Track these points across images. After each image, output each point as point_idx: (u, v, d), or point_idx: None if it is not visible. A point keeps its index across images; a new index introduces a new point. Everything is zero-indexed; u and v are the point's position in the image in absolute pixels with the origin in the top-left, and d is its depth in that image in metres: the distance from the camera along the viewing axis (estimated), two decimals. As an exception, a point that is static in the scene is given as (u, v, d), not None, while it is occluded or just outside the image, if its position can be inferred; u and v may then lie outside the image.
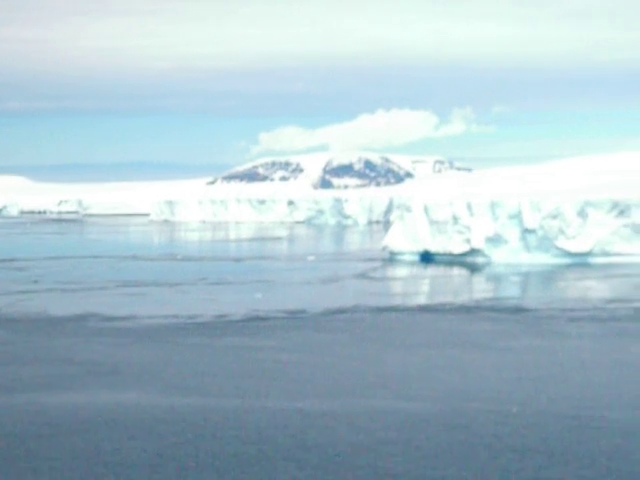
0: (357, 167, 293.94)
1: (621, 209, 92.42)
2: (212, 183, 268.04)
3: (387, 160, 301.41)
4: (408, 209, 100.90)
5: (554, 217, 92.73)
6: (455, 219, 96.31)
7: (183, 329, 48.81)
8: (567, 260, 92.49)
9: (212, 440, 26.90)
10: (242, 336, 46.10)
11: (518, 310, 54.86)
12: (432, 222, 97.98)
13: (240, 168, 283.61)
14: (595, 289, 71.66)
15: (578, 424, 27.90)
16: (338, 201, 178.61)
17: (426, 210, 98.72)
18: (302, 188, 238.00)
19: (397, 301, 62.56)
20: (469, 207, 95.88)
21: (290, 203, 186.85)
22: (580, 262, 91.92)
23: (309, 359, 39.39)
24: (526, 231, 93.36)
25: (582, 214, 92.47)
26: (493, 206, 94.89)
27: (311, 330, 47.79)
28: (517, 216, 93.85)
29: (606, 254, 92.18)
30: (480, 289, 72.51)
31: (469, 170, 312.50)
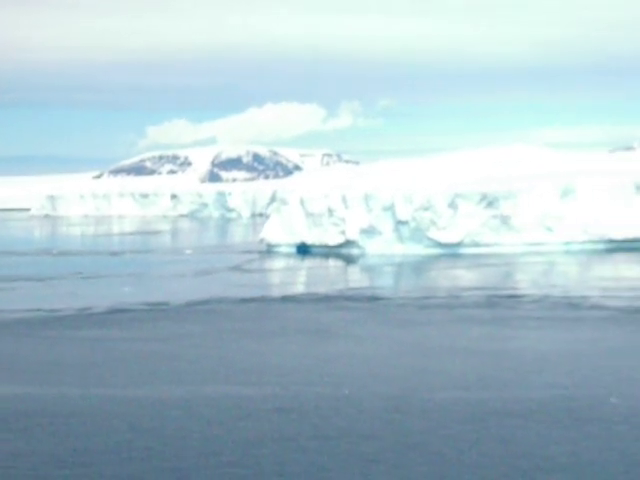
0: (245, 160, 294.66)
1: (490, 201, 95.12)
2: (98, 177, 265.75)
3: (275, 153, 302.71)
4: (285, 202, 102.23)
5: (426, 209, 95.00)
6: (330, 211, 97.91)
7: (43, 322, 49.11)
8: (439, 250, 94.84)
9: (38, 429, 27.60)
10: (100, 328, 46.66)
11: (377, 299, 56.48)
12: (308, 214, 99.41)
13: (127, 162, 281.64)
14: (460, 278, 73.99)
15: (402, 405, 29.35)
16: (221, 194, 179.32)
17: (302, 203, 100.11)
18: (190, 182, 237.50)
19: (264, 292, 63.65)
20: (344, 199, 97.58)
21: (173, 197, 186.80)
22: (451, 252, 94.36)
23: (161, 349, 40.22)
24: (399, 223, 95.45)
25: (453, 206, 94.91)
26: (367, 198, 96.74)
27: (170, 321, 48.59)
28: (390, 208, 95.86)
29: (476, 244, 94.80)
30: (349, 279, 74.17)
31: (356, 163, 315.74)
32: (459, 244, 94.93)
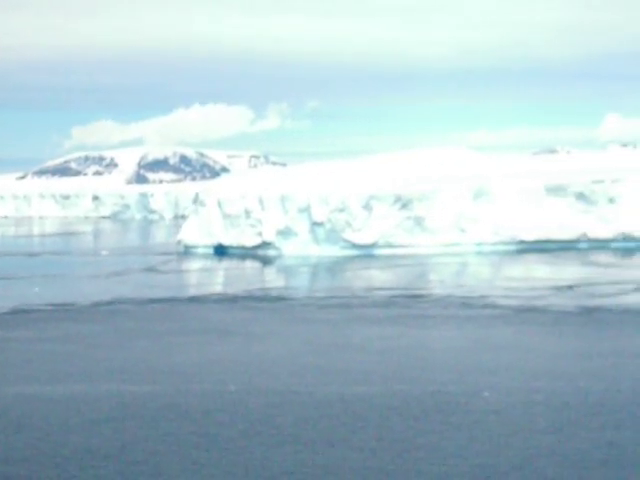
0: (172, 162, 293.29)
1: (404, 202, 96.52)
2: (22, 178, 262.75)
3: (203, 155, 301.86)
4: (202, 203, 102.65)
5: (341, 210, 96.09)
6: (247, 213, 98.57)
7: (-56, 323, 49.04)
8: (354, 252, 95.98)
9: None
10: (1, 328, 46.78)
11: (284, 299, 57.30)
12: (225, 216, 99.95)
13: (52, 163, 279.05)
14: (370, 279, 75.11)
15: (284, 401, 30.18)
16: (144, 196, 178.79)
17: (220, 204, 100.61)
18: (115, 183, 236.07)
19: (173, 293, 64.06)
20: (261, 201, 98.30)
21: (95, 198, 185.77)
22: (366, 253, 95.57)
23: (58, 349, 40.61)
24: (315, 224, 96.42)
25: (367, 207, 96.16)
26: (283, 200, 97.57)
27: (73, 322, 48.91)
28: (306, 210, 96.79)
29: (390, 245, 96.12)
30: (261, 280, 74.84)
31: (284, 165, 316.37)
32: (374, 245, 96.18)
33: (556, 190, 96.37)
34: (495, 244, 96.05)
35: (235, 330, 44.67)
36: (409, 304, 52.62)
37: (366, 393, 30.72)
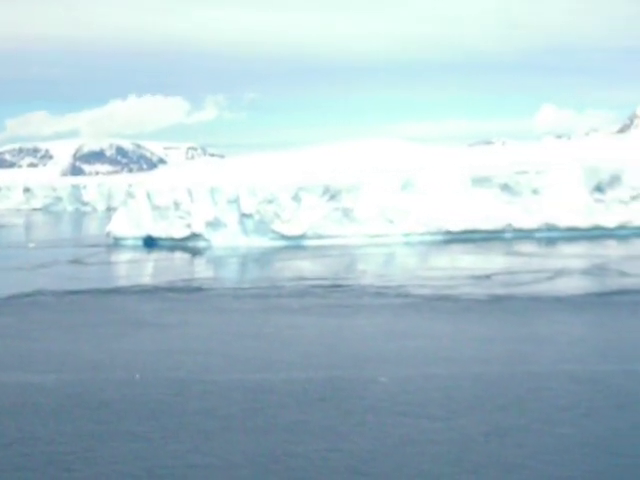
0: (108, 154, 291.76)
1: (332, 194, 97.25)
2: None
3: (139, 146, 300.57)
4: (132, 195, 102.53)
5: (270, 202, 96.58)
6: (176, 204, 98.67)
7: None
8: (283, 243, 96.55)
9: None
10: None
11: (203, 290, 57.66)
12: (155, 208, 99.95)
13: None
14: (294, 269, 75.67)
15: (184, 387, 30.67)
16: (76, 188, 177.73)
17: (149, 196, 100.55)
18: (50, 175, 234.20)
19: (95, 284, 64.08)
20: (190, 193, 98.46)
21: (27, 190, 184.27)
22: (295, 244, 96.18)
23: (-31, 340, 40.61)
24: (244, 216, 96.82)
25: (296, 199, 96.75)
26: (213, 192, 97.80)
27: (-12, 313, 48.83)
28: (235, 201, 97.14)
29: (319, 236, 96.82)
30: (185, 272, 75.05)
31: (222, 157, 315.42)
32: (302, 236, 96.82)
33: (482, 182, 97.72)
34: (422, 235, 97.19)
35: (150, 321, 45.02)
36: (326, 294, 53.29)
37: (268, 380, 31.31)
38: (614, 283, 55.93)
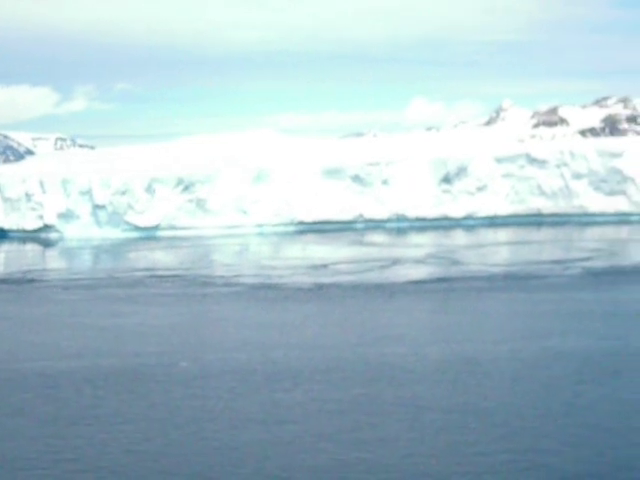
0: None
1: (186, 185, 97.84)
2: None
3: (6, 137, 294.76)
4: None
5: (123, 193, 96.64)
6: (28, 196, 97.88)
7: None
8: (137, 234, 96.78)
9: None
10: None
11: (35, 281, 57.65)
12: (5, 199, 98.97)
13: None
14: (140, 260, 76.14)
15: (-16, 376, 31.16)
16: None
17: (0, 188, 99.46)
18: None
19: None
20: (41, 184, 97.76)
21: None
22: (148, 235, 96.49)
23: None
24: (97, 207, 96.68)
25: (150, 190, 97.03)
26: (65, 183, 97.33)
27: None
28: (88, 192, 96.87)
29: (173, 228, 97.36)
30: (26, 264, 74.68)
31: (92, 148, 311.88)
32: (156, 227, 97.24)
33: (334, 173, 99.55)
34: (276, 225, 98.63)
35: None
36: (159, 284, 54.02)
37: (69, 367, 31.95)
38: (441, 271, 58.09)
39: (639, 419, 24.47)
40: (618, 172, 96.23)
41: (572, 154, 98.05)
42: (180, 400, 27.41)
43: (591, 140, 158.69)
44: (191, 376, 30.42)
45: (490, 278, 52.65)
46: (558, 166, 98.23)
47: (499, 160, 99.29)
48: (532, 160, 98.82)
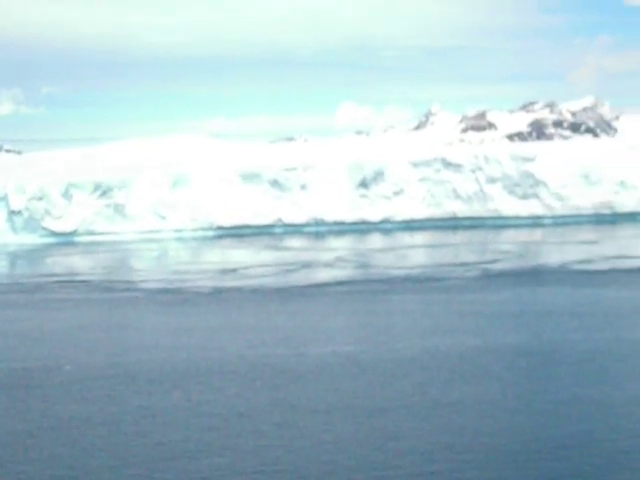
0: None
1: (104, 190, 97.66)
2: None
3: None
4: None
5: (40, 199, 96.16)
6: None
7: None
8: (54, 240, 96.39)
9: None
10: None
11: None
12: None
13: None
14: (54, 266, 75.80)
15: None
16: None
17: None
18: None
19: None
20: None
21: None
22: (66, 241, 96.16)
23: None
24: (12, 213, 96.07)
25: (67, 195, 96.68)
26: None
27: None
28: (4, 198, 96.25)
29: (90, 233, 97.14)
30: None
31: (19, 153, 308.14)
32: (73, 233, 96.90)
33: (252, 177, 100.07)
34: (194, 230, 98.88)
35: None
36: (61, 289, 54.05)
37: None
38: (345, 274, 58.83)
39: (492, 415, 25.33)
40: (531, 176, 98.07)
41: (486, 158, 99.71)
42: (55, 404, 27.70)
43: (505, 145, 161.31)
44: (72, 379, 30.71)
45: (390, 280, 53.54)
46: (473, 170, 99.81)
47: (415, 165, 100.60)
48: (448, 164, 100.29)
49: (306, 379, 30.08)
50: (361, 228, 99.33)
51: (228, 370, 31.42)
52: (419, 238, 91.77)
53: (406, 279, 54.10)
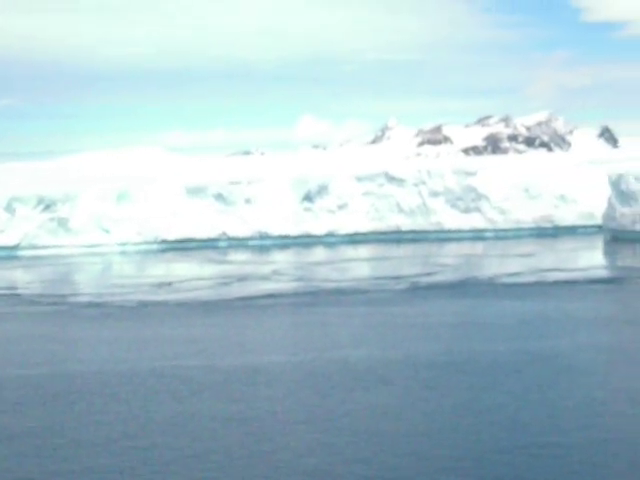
0: None
1: (47, 204, 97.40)
2: None
3: None
4: None
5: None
6: None
7: None
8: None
9: None
10: None
11: None
12: None
13: None
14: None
15: None
16: None
17: None
18: None
19: None
20: None
21: None
22: (8, 255, 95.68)
23: None
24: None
25: (9, 209, 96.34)
26: None
27: None
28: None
29: (33, 247, 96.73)
30: None
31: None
32: (16, 247, 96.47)
33: (196, 191, 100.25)
34: (139, 244, 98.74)
35: None
36: (-8, 303, 54.12)
37: None
38: (277, 287, 59.20)
39: (388, 424, 25.87)
40: (473, 190, 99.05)
41: (429, 173, 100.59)
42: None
43: (446, 159, 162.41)
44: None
45: (319, 293, 54.02)
46: (416, 184, 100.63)
47: (359, 179, 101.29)
48: (391, 179, 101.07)
49: (211, 390, 30.47)
50: (305, 241, 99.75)
51: (134, 382, 31.74)
52: (362, 251, 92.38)
53: (335, 292, 54.60)
